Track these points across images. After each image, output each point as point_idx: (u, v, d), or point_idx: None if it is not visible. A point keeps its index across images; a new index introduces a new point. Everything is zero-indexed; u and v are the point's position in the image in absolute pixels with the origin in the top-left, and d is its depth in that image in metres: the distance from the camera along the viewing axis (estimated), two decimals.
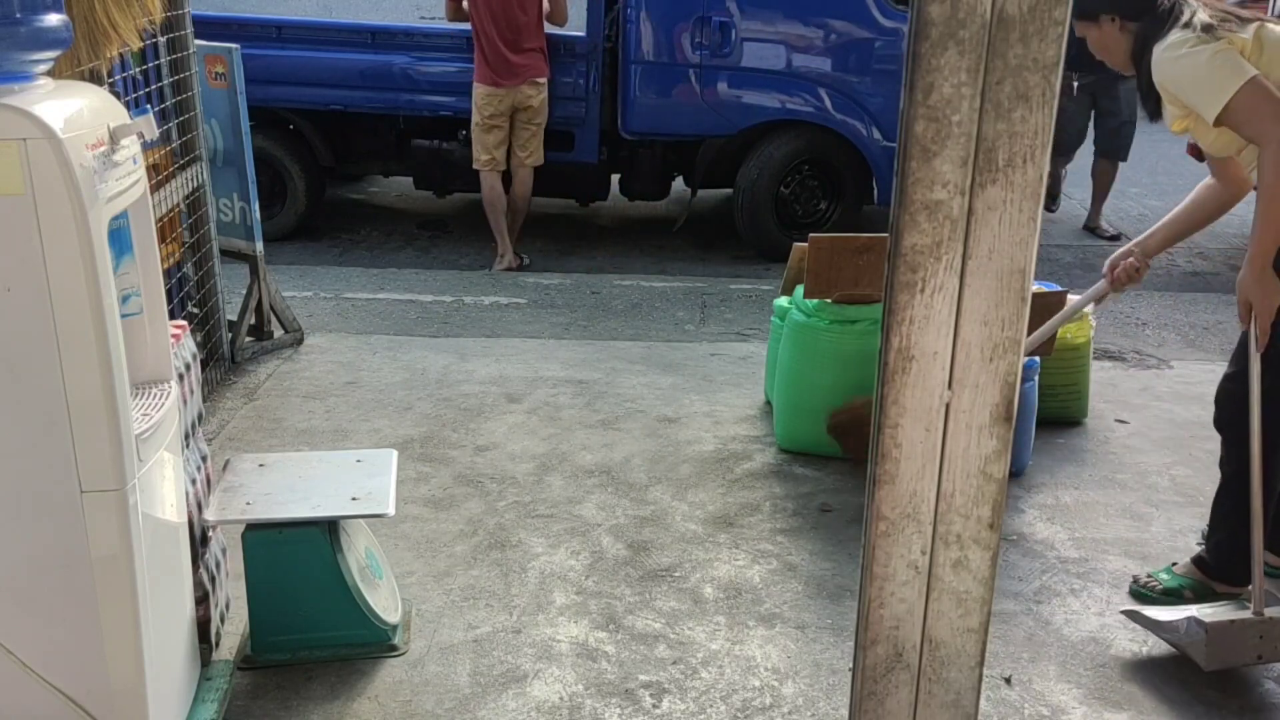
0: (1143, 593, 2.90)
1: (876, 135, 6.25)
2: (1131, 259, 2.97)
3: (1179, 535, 3.23)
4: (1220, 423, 2.83)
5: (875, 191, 6.53)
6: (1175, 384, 4.44)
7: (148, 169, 2.24)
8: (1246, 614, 2.55)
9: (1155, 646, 2.69)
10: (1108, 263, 3.03)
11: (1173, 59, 2.54)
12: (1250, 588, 2.60)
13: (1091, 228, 7.14)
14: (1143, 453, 3.79)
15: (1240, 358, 2.73)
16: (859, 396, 3.44)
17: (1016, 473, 3.63)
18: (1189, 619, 2.54)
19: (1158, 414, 4.13)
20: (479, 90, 6.01)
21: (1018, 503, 3.37)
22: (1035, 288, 2.08)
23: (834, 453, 3.62)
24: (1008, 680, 2.55)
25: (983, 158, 0.88)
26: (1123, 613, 2.75)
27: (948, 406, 0.94)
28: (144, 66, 3.64)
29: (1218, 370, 4.63)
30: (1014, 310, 0.91)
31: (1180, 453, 3.79)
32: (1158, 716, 2.45)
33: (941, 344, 0.92)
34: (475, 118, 6.07)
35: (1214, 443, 3.85)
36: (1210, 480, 3.58)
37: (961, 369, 0.93)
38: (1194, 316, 5.39)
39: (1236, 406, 2.69)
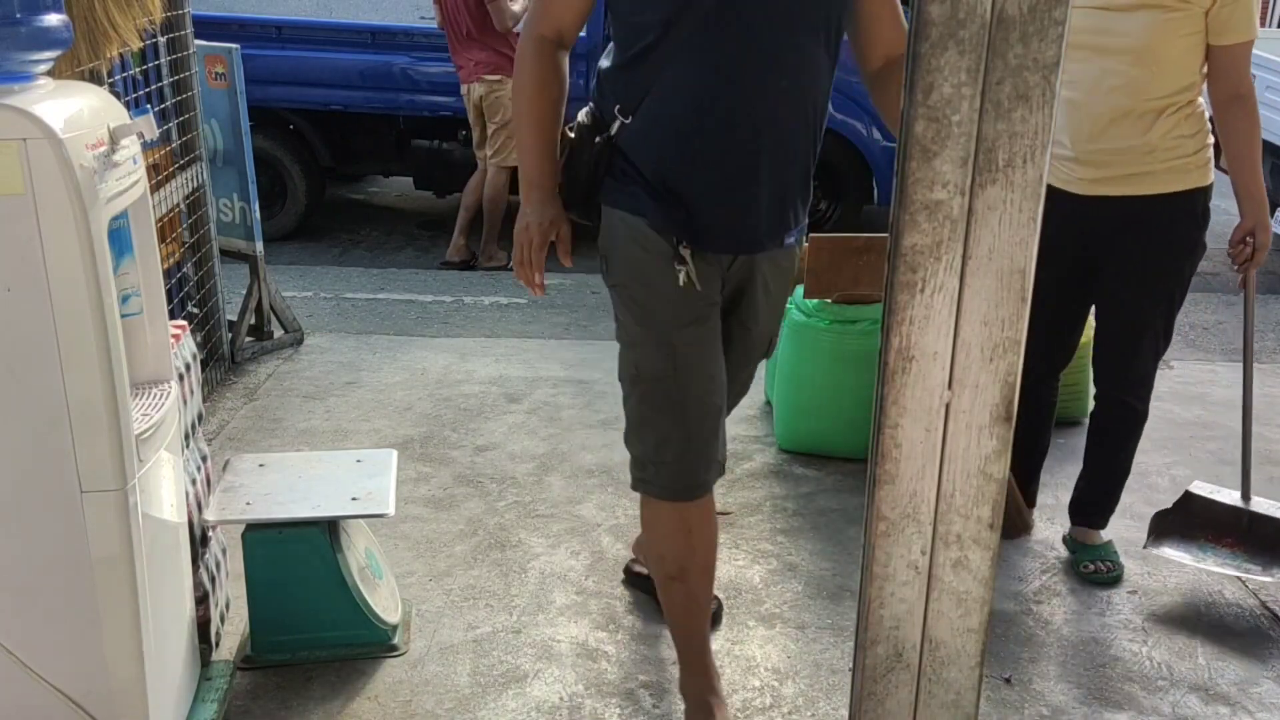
0: (1106, 580, 2.98)
1: (876, 135, 6.24)
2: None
3: None
4: None
5: (875, 191, 6.52)
6: (1175, 384, 4.44)
7: (148, 169, 2.24)
8: None
9: (1155, 646, 2.70)
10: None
11: None
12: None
13: None
14: (1143, 453, 3.77)
15: None
16: None
17: None
18: None
19: (1158, 414, 4.11)
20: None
21: None
22: None
23: (834, 453, 3.62)
24: (1008, 680, 2.55)
25: (983, 158, 0.88)
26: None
27: (948, 406, 0.94)
28: (144, 66, 3.64)
29: (1218, 370, 4.65)
30: (1014, 310, 0.91)
31: (1180, 453, 3.79)
32: (1157, 716, 2.45)
33: (941, 344, 0.92)
34: None
35: (1215, 443, 3.86)
36: (1211, 480, 3.58)
37: (961, 369, 0.93)
38: (1194, 316, 5.39)
39: None
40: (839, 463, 3.59)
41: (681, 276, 2.05)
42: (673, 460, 2.12)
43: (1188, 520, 2.96)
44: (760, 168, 2.04)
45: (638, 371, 2.16)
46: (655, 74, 2.00)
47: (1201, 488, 3.02)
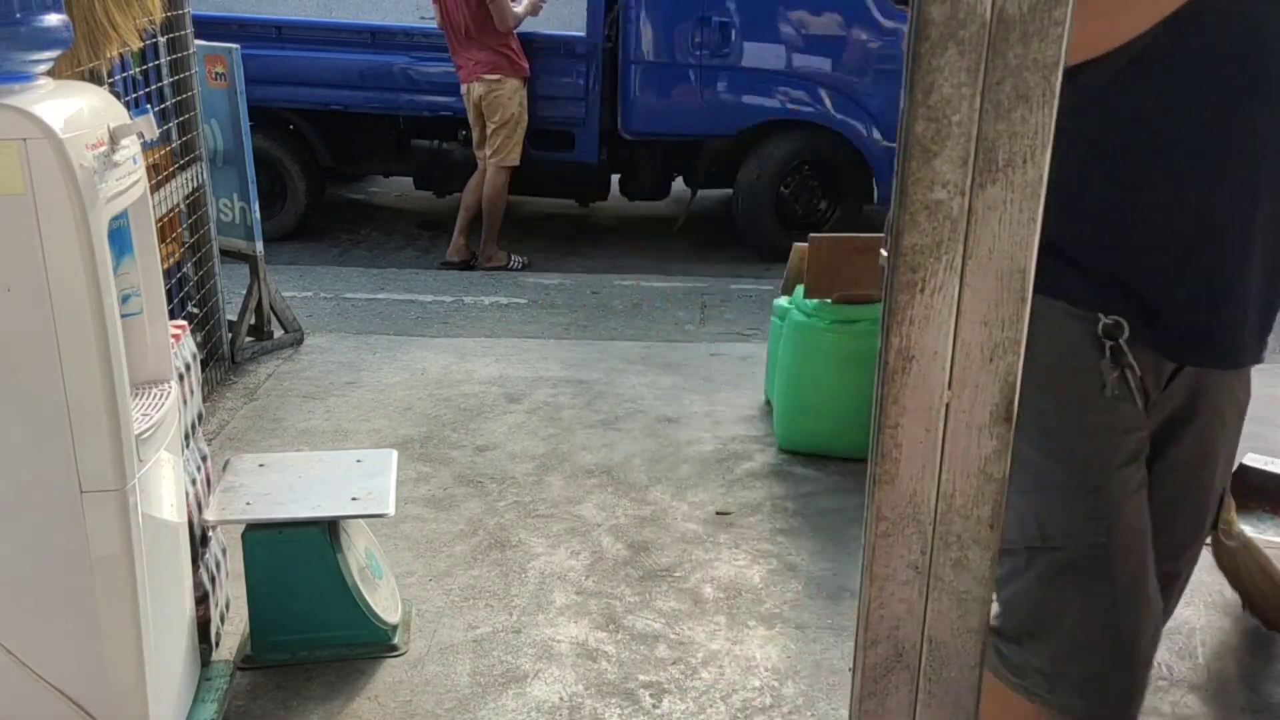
0: None
1: (876, 135, 6.25)
2: None
3: None
4: None
5: (875, 191, 6.53)
6: None
7: (148, 169, 2.24)
8: None
9: None
10: None
11: None
12: None
13: None
14: None
15: None
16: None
17: None
18: None
19: None
20: None
21: None
22: None
23: (834, 453, 3.62)
24: None
25: (983, 158, 0.88)
26: None
27: (948, 406, 0.94)
28: (144, 66, 3.64)
29: None
30: (1014, 310, 0.91)
31: None
32: (1157, 716, 2.45)
33: (941, 344, 0.92)
34: None
35: None
36: None
37: (961, 369, 0.93)
38: None
39: None
40: (839, 463, 3.59)
41: (1109, 386, 1.37)
42: (1087, 678, 1.40)
43: (1243, 492, 2.86)
44: (1253, 237, 1.36)
45: (1042, 531, 1.44)
46: (1119, 106, 1.34)
47: (1255, 459, 2.92)
